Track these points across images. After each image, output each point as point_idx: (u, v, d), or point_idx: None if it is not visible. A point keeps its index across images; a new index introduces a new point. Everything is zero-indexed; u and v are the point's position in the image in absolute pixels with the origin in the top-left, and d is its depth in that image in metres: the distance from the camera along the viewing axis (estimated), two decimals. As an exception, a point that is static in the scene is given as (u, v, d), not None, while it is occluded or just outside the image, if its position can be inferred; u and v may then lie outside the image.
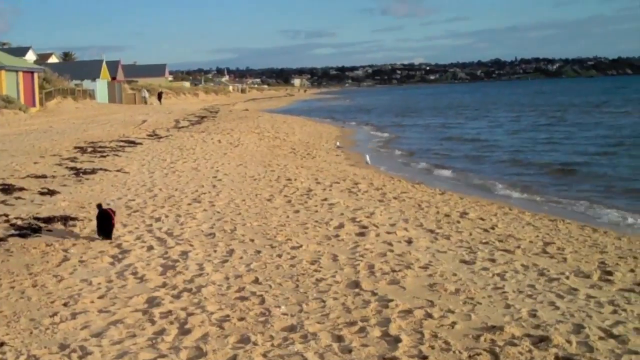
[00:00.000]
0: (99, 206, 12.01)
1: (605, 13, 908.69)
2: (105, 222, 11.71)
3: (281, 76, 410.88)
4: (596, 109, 69.28)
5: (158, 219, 13.38)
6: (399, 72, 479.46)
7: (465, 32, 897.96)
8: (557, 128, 45.66)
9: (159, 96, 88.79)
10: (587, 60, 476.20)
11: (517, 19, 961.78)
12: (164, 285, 9.02)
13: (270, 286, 8.89)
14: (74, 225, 12.57)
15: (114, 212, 11.91)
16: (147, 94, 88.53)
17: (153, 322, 7.58)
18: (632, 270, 10.34)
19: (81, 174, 19.19)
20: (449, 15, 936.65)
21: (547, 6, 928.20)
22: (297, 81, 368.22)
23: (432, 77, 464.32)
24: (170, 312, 7.89)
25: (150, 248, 11.05)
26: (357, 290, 8.75)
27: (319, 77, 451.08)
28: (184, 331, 7.31)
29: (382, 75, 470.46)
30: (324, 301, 8.24)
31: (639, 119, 51.32)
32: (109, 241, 11.51)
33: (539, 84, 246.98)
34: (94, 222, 12.14)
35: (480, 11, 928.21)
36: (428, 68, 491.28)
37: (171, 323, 7.55)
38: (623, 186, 21.12)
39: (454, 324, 7.50)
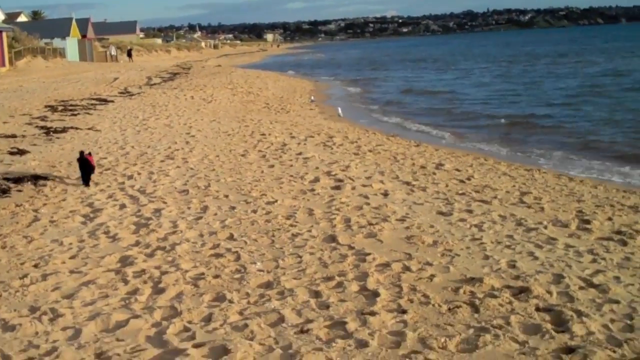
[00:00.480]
0: (81, 153, 12.67)
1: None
2: (85, 169, 12.54)
3: (254, 31, 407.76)
4: (563, 58, 69.43)
5: (130, 177, 13.17)
6: (371, 25, 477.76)
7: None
8: (522, 80, 45.46)
9: (129, 53, 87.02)
10: (559, 11, 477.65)
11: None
12: (137, 243, 8.84)
13: (246, 242, 8.74)
14: (45, 185, 12.34)
15: (90, 156, 12.80)
16: (115, 51, 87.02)
17: (126, 282, 7.41)
18: (609, 219, 10.28)
19: (52, 133, 18.88)
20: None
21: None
22: (269, 36, 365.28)
23: (404, 30, 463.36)
24: (143, 271, 7.72)
25: (123, 206, 10.85)
26: (333, 244, 8.62)
27: (292, 31, 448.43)
28: (158, 290, 7.15)
29: (354, 29, 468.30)
30: (300, 256, 8.10)
31: (604, 67, 51.50)
32: (87, 187, 12.23)
33: (511, 35, 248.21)
34: (65, 181, 12.11)
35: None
36: (400, 21, 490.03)
37: (145, 282, 7.39)
38: (591, 138, 21.11)
39: (432, 276, 7.39)
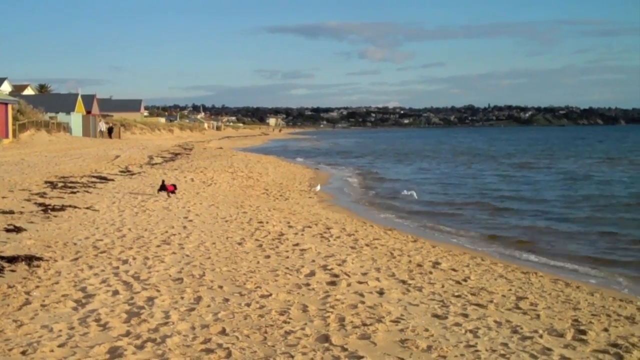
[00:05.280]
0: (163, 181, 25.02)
1: (578, 64, 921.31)
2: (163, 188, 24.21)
3: (257, 115, 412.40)
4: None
5: (125, 261, 13.06)
6: (373, 115, 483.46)
7: (439, 78, 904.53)
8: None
9: (109, 131, 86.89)
10: (559, 110, 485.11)
11: (491, 67, 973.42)
12: (128, 334, 8.69)
13: (238, 338, 8.60)
14: (39, 266, 12.24)
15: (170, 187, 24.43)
16: (104, 127, 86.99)
17: (114, 375, 7.27)
18: (605, 330, 10.20)
19: (50, 211, 18.83)
20: (424, 61, 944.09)
21: (520, 55, 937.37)
22: (272, 120, 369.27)
23: (406, 121, 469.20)
24: (132, 364, 7.59)
25: (116, 293, 10.73)
26: (326, 344, 8.49)
27: (294, 117, 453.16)
28: (146, 385, 7.02)
29: (356, 117, 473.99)
30: (292, 356, 7.97)
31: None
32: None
33: (511, 132, 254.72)
34: (60, 263, 12.17)
35: (455, 58, 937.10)
36: (402, 112, 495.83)
37: (133, 376, 7.25)
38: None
39: (425, 384, 7.27)
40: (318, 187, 32.90)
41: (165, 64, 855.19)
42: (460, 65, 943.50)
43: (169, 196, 23.87)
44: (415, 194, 31.44)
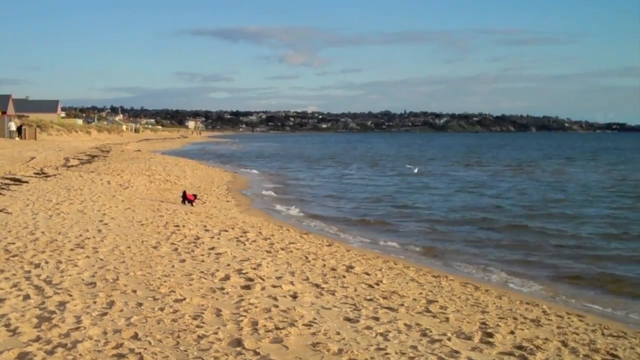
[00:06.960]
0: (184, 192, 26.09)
1: (491, 72, 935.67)
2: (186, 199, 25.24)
3: (176, 117, 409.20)
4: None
5: (37, 265, 12.88)
6: (292, 119, 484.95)
7: (357, 84, 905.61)
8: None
9: (19, 130, 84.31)
10: (473, 116, 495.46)
11: (407, 73, 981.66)
12: (38, 339, 8.60)
13: (150, 343, 8.59)
14: (-53, 270, 12.01)
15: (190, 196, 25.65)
16: (13, 127, 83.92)
17: (23, 380, 7.22)
18: (512, 332, 10.54)
19: (-41, 214, 18.44)
20: (343, 66, 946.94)
21: (436, 63, 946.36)
22: (191, 123, 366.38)
23: (324, 126, 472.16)
24: (42, 369, 7.54)
25: (27, 297, 10.59)
26: (239, 349, 8.55)
27: (214, 120, 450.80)
28: (56, 390, 6.98)
29: (275, 121, 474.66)
30: (204, 360, 8.03)
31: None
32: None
33: (425, 137, 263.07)
34: None
35: (372, 64, 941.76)
36: (321, 117, 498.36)
37: (42, 381, 7.20)
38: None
39: (334, 386, 7.41)
40: (263, 191, 33.58)
41: (83, 65, 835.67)
42: (378, 72, 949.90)
43: (192, 205, 25.03)
44: (415, 170, 35.02)
